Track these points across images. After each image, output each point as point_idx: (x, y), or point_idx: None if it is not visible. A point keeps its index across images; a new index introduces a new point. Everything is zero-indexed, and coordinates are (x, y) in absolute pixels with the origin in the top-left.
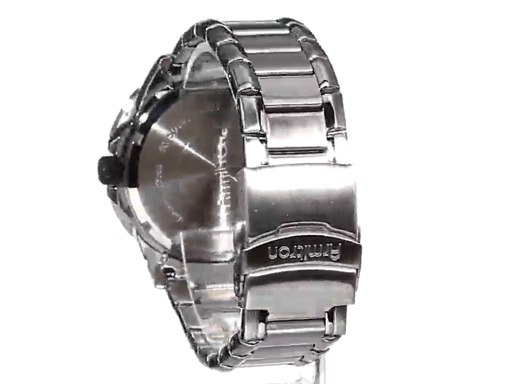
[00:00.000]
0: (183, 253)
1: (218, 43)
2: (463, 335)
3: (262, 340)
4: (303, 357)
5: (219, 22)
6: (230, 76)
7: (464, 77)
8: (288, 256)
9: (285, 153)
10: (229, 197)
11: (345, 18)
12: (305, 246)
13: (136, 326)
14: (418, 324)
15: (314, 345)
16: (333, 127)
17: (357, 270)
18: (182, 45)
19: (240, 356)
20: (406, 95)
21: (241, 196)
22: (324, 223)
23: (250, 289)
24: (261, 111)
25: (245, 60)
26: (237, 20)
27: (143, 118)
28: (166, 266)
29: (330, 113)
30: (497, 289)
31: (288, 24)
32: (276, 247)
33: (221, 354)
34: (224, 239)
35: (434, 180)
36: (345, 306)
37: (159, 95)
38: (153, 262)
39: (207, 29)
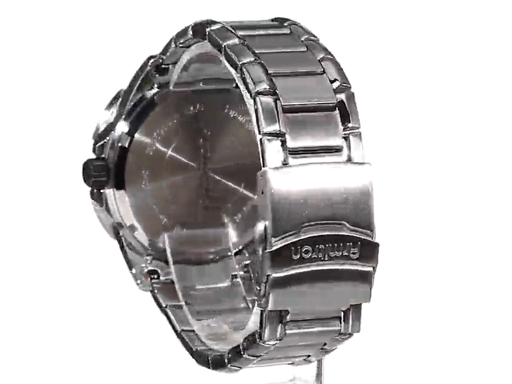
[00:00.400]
0: (170, 255)
1: (225, 44)
2: (467, 335)
3: (281, 339)
4: (308, 356)
5: (219, 22)
6: (243, 76)
7: (463, 75)
8: (310, 256)
9: (304, 153)
10: (214, 198)
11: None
12: (327, 245)
13: (128, 329)
14: (419, 324)
15: (325, 344)
16: (348, 126)
17: (373, 268)
18: (173, 45)
19: (253, 356)
20: (399, 94)
21: (263, 196)
22: (343, 222)
23: (273, 290)
24: (279, 111)
25: (258, 60)
26: (233, 20)
27: (125, 128)
28: (150, 268)
29: (345, 112)
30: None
31: (285, 24)
32: (299, 247)
33: (230, 355)
34: (209, 239)
35: (441, 177)
36: (360, 304)
37: (146, 95)
38: (137, 265)
39: (208, 29)
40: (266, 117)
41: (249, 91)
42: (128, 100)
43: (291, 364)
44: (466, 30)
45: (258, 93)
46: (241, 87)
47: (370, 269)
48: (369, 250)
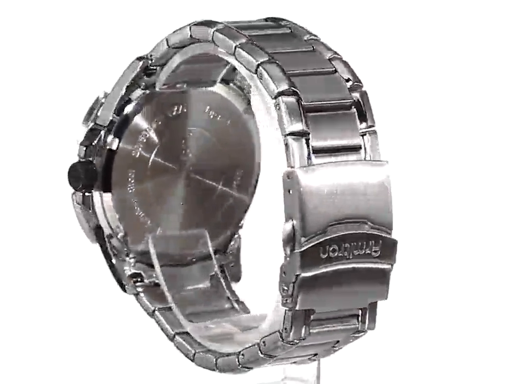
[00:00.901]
0: (154, 257)
1: (236, 44)
2: (468, 336)
3: (304, 339)
4: (315, 354)
5: (221, 23)
6: (261, 76)
7: (458, 76)
8: (337, 255)
9: (327, 152)
10: (196, 198)
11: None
12: (352, 243)
13: (122, 332)
14: (421, 324)
15: (337, 342)
16: (364, 125)
17: (391, 265)
18: (166, 46)
19: (270, 357)
20: (395, 92)
21: (292, 196)
22: (365, 220)
23: (302, 289)
24: (302, 111)
25: (272, 59)
26: (228, 20)
27: (110, 136)
28: (133, 271)
29: (361, 110)
30: None
31: (282, 24)
32: (327, 246)
33: (242, 356)
34: (192, 239)
35: (455, 175)
36: (376, 302)
37: (131, 99)
38: (121, 268)
39: (213, 29)
40: (292, 117)
41: (268, 91)
42: (114, 101)
43: (293, 362)
44: (466, 28)
45: (281, 93)
46: (259, 87)
47: (389, 266)
48: (389, 249)
